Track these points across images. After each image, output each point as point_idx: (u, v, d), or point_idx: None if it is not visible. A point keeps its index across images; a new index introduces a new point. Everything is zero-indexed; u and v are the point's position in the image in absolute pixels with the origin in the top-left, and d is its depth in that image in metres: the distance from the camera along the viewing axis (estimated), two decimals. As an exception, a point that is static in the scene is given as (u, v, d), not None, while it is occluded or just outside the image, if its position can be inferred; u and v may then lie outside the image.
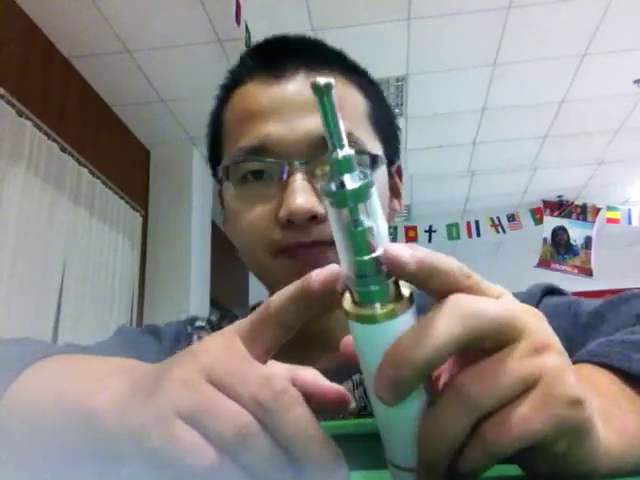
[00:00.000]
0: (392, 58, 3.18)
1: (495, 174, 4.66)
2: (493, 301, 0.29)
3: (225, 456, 0.27)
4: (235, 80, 0.64)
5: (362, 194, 0.26)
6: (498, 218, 4.95)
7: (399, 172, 0.69)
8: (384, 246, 0.27)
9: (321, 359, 0.60)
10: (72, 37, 2.92)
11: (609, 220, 4.83)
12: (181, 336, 0.69)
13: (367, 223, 0.27)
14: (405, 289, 0.29)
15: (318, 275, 0.29)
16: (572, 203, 5.11)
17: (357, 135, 0.59)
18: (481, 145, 4.21)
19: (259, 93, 0.60)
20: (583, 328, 0.55)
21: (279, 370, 0.31)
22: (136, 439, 0.28)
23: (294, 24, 2.87)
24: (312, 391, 0.31)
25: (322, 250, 0.56)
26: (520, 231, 4.95)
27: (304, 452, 0.28)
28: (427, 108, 3.62)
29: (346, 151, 0.27)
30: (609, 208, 4.84)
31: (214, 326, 0.71)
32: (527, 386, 0.27)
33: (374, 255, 0.27)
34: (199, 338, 0.69)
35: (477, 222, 4.93)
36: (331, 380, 0.57)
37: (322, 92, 0.26)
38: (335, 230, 0.28)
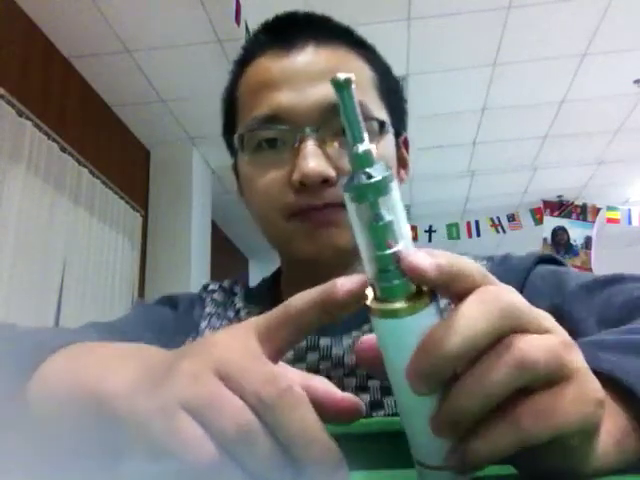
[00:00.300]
0: (392, 58, 3.13)
1: (495, 174, 4.66)
2: (518, 294, 0.29)
3: (225, 453, 0.27)
4: (248, 55, 0.68)
5: (382, 188, 0.26)
6: (498, 218, 4.95)
7: (406, 144, 0.72)
8: (403, 253, 0.27)
9: None
10: (72, 37, 2.92)
11: (609, 220, 4.83)
12: (195, 302, 0.73)
13: (388, 217, 0.27)
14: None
15: (344, 285, 0.29)
16: (572, 203, 5.11)
17: (366, 104, 0.61)
18: (481, 145, 4.21)
19: (271, 65, 0.63)
20: (568, 299, 0.57)
21: (291, 374, 0.31)
22: (140, 427, 0.28)
23: (294, 24, 2.87)
24: (323, 400, 0.31)
25: (334, 212, 0.59)
26: (520, 231, 4.95)
27: (304, 453, 0.27)
28: (427, 108, 3.62)
29: (366, 145, 0.26)
30: (609, 208, 4.84)
31: (226, 289, 0.74)
32: (561, 378, 0.28)
33: (395, 249, 0.27)
34: (212, 300, 0.72)
35: (477, 222, 4.93)
36: (341, 328, 0.60)
37: (342, 87, 0.26)
38: (355, 225, 0.27)
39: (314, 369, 0.60)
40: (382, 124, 0.62)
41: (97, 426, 0.31)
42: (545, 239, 5.10)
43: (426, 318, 0.28)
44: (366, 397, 0.58)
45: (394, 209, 0.27)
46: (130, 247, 3.56)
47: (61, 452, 0.34)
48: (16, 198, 2.50)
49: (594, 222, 5.01)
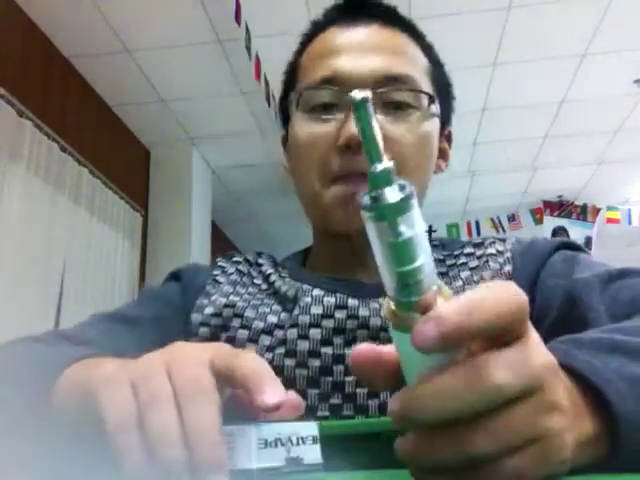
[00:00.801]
0: (392, 58, 3.18)
1: (495, 174, 4.66)
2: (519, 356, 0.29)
3: (135, 419, 0.31)
4: (316, 28, 0.72)
5: (402, 207, 0.26)
6: (498, 218, 4.96)
7: (449, 138, 0.76)
8: (413, 330, 0.27)
9: (358, 276, 0.66)
10: (72, 37, 2.92)
11: (609, 220, 4.83)
12: (200, 268, 0.75)
13: (407, 234, 0.26)
14: (446, 298, 0.29)
15: (270, 397, 0.32)
16: (572, 203, 5.12)
17: (418, 80, 0.66)
18: (481, 145, 4.21)
19: (335, 36, 0.68)
20: (581, 286, 0.57)
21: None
22: (93, 395, 0.34)
23: (294, 24, 2.87)
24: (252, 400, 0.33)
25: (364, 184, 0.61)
26: (520, 231, 4.95)
27: (194, 444, 0.30)
28: (427, 108, 3.62)
29: (385, 164, 0.26)
30: (609, 208, 4.84)
31: (250, 262, 0.75)
32: (530, 442, 0.28)
33: (414, 266, 0.27)
34: (237, 271, 0.73)
35: (477, 222, 4.94)
36: (364, 291, 0.63)
37: (359, 105, 0.26)
38: (374, 241, 0.27)
39: (341, 327, 0.61)
40: (431, 98, 0.66)
41: (87, 408, 0.36)
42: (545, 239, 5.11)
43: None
44: None
45: (413, 225, 0.26)
46: (130, 247, 3.56)
47: (73, 439, 0.40)
48: (16, 198, 2.50)
49: (594, 222, 5.01)
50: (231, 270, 0.73)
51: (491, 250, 0.67)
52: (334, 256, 0.69)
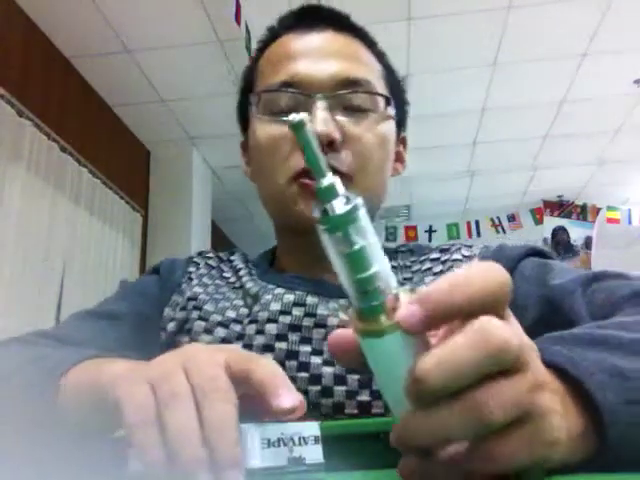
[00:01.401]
0: (392, 58, 3.17)
1: (495, 174, 4.66)
2: (508, 327, 0.29)
3: (154, 416, 0.32)
4: (272, 34, 0.74)
5: (351, 218, 0.28)
6: (498, 218, 4.96)
7: (404, 142, 0.79)
8: (397, 315, 0.28)
9: (321, 276, 0.67)
10: (72, 37, 2.92)
11: (609, 220, 4.83)
12: (177, 264, 0.77)
13: (360, 242, 0.28)
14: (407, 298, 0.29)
15: (283, 400, 0.33)
16: (572, 203, 5.12)
17: (375, 84, 0.68)
18: (481, 145, 4.21)
19: (292, 41, 0.70)
20: (558, 292, 0.58)
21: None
22: (111, 391, 0.35)
23: (294, 24, 2.87)
24: (265, 396, 0.34)
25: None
26: (520, 231, 4.95)
27: (213, 440, 0.31)
28: (427, 108, 3.62)
29: (329, 179, 0.28)
30: (609, 208, 4.84)
31: (222, 258, 0.78)
32: (519, 419, 0.28)
33: (370, 272, 0.28)
34: (206, 265, 0.75)
35: (477, 222, 4.94)
36: (324, 290, 0.64)
37: (297, 127, 0.28)
38: (331, 253, 0.29)
39: (297, 324, 0.62)
40: (387, 100, 0.68)
41: (99, 404, 0.38)
42: (545, 239, 5.11)
43: (408, 335, 0.28)
44: None
45: (365, 234, 0.28)
46: (130, 247, 3.56)
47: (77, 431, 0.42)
48: (16, 198, 2.50)
49: (594, 222, 5.01)
50: (201, 264, 0.76)
51: (457, 256, 0.69)
52: (297, 254, 0.71)
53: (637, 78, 3.47)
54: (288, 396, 0.33)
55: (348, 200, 0.28)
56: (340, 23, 0.72)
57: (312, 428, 0.35)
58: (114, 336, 0.66)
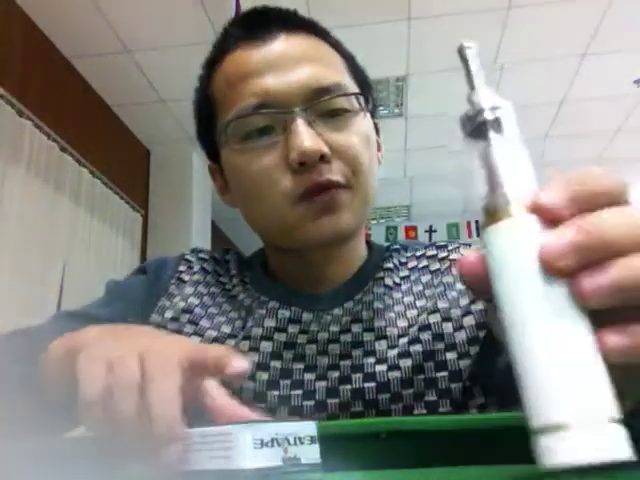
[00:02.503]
0: (392, 58, 3.18)
1: (495, 174, 4.65)
2: None
3: (102, 397, 0.35)
4: (220, 52, 0.68)
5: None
6: (498, 218, 4.95)
7: (377, 129, 0.73)
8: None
9: (315, 285, 0.66)
10: (72, 37, 2.92)
11: (609, 220, 4.83)
12: (166, 263, 0.74)
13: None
14: None
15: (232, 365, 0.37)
16: (572, 203, 5.11)
17: (345, 84, 0.64)
18: (481, 145, 4.21)
19: (249, 56, 0.64)
20: None
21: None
22: (75, 362, 0.38)
23: (294, 24, 2.87)
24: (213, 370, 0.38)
25: (337, 193, 0.60)
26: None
27: (153, 422, 0.34)
28: (427, 108, 3.62)
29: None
30: (609, 208, 4.84)
31: (218, 260, 0.75)
32: None
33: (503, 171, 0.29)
34: (202, 269, 0.73)
35: (477, 222, 4.93)
36: (319, 304, 0.64)
37: None
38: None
39: (292, 341, 0.62)
40: (362, 97, 0.65)
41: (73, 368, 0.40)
42: (545, 239, 5.10)
43: (536, 219, 0.27)
44: (336, 374, 0.60)
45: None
46: (130, 247, 3.56)
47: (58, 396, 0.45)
48: (16, 198, 2.50)
49: (594, 222, 5.01)
50: (196, 267, 0.73)
51: (455, 255, 0.68)
52: (292, 270, 0.69)
53: (637, 78, 3.47)
54: (240, 362, 0.37)
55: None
56: (291, 22, 0.67)
57: (308, 428, 0.35)
58: None
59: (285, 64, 0.62)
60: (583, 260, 0.26)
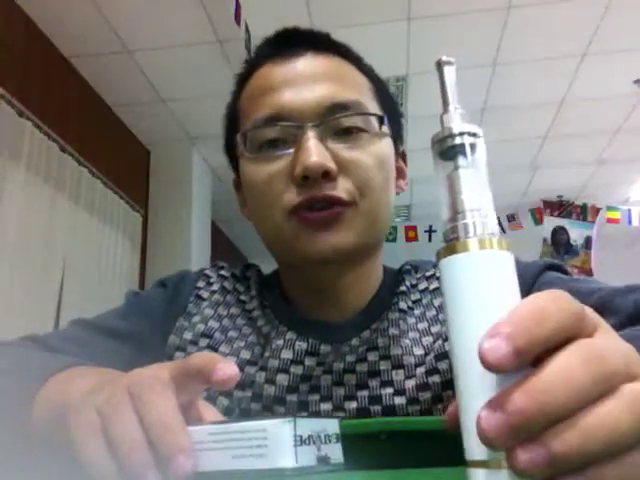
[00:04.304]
0: (392, 58, 3.18)
1: (495, 174, 4.63)
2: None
3: (99, 432, 0.34)
4: (250, 68, 0.70)
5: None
6: (498, 218, 4.86)
7: (404, 157, 0.75)
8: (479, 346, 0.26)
9: (331, 312, 0.66)
10: (72, 37, 2.92)
11: (609, 220, 4.82)
12: (185, 279, 0.74)
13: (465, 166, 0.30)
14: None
15: (222, 369, 0.35)
16: (572, 203, 5.11)
17: (365, 104, 0.64)
18: (481, 145, 4.21)
19: (272, 71, 0.66)
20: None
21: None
22: (66, 420, 0.36)
23: (294, 24, 2.86)
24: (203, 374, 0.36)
25: (337, 209, 0.60)
26: (520, 231, 4.95)
27: (155, 438, 0.32)
28: (427, 108, 3.61)
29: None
30: (609, 208, 4.84)
31: (238, 277, 0.75)
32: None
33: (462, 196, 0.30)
34: (222, 288, 0.72)
35: (477, 222, 4.92)
36: (337, 335, 0.63)
37: None
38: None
39: (308, 374, 0.61)
40: (380, 119, 0.64)
41: (61, 429, 0.38)
42: (545, 239, 5.10)
43: (499, 256, 0.27)
44: (353, 404, 0.60)
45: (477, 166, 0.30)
46: (130, 247, 3.56)
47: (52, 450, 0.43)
48: (16, 198, 2.50)
49: (594, 222, 5.01)
50: (216, 286, 0.73)
51: None
52: (303, 289, 0.68)
53: (637, 78, 3.47)
54: (227, 367, 0.35)
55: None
56: (320, 43, 0.68)
57: (333, 425, 0.34)
58: (108, 354, 0.64)
59: (304, 81, 0.63)
60: (519, 438, 0.24)
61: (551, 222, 5.07)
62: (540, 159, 4.46)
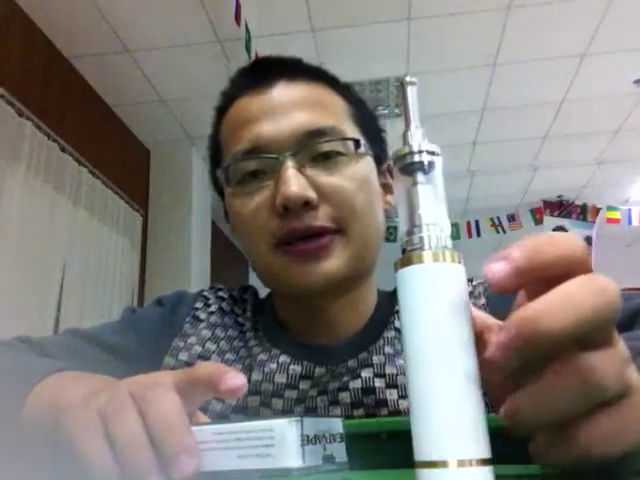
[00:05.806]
0: (392, 58, 3.18)
1: (495, 174, 4.66)
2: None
3: (101, 431, 0.33)
4: (228, 100, 0.70)
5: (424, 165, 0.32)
6: (498, 218, 4.95)
7: (390, 170, 0.72)
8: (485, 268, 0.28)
9: (325, 336, 0.66)
10: (72, 37, 2.92)
11: (609, 220, 4.82)
12: (183, 299, 0.75)
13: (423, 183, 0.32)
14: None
15: (229, 381, 0.34)
16: (572, 203, 5.11)
17: (341, 128, 0.64)
18: (481, 145, 4.21)
19: (248, 104, 0.66)
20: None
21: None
22: (65, 424, 0.36)
23: (294, 24, 2.87)
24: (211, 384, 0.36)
25: (324, 239, 0.60)
26: (520, 231, 4.95)
27: (158, 437, 0.32)
28: (427, 108, 3.62)
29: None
30: (609, 208, 4.84)
31: (235, 298, 0.75)
32: (621, 395, 0.27)
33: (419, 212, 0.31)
34: (219, 309, 0.73)
35: (477, 222, 4.93)
36: (332, 357, 0.63)
37: None
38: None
39: (303, 397, 0.61)
40: (357, 142, 0.64)
41: (55, 430, 0.38)
42: (545, 239, 5.09)
43: (452, 269, 0.28)
44: None
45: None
46: (130, 247, 3.56)
47: (42, 452, 0.43)
48: (16, 198, 2.50)
49: (594, 222, 5.01)
50: (214, 307, 0.73)
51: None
52: (297, 317, 0.68)
53: (637, 78, 3.47)
54: (236, 377, 0.34)
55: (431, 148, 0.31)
56: (292, 70, 0.68)
57: (337, 425, 0.34)
58: (97, 365, 0.63)
59: (280, 111, 0.64)
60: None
61: (551, 222, 5.07)
62: (540, 159, 4.46)
